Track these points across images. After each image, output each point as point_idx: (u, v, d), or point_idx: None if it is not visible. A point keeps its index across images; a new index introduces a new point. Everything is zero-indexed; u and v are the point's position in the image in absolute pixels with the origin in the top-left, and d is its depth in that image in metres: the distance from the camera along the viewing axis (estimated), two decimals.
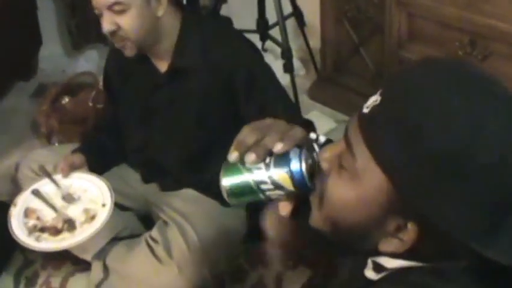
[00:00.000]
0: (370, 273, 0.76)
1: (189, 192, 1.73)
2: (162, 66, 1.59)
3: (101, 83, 2.26)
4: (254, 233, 1.76)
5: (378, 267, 0.74)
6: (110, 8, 1.45)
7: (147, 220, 1.84)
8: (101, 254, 1.73)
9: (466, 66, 0.70)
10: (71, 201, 1.52)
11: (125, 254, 1.68)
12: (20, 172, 1.82)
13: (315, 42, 2.49)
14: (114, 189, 1.72)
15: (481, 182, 0.63)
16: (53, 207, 1.49)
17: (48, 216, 1.48)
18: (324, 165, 0.74)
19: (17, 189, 1.86)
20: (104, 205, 1.48)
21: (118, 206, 1.80)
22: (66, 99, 2.27)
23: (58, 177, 1.54)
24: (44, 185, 1.53)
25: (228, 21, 1.72)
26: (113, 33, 1.48)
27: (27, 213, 1.49)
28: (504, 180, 0.64)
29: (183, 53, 1.55)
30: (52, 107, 2.26)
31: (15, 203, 1.50)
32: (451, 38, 1.97)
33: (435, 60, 0.72)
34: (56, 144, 2.21)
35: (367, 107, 0.69)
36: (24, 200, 1.51)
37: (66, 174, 1.57)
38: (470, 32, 1.92)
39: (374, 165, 0.67)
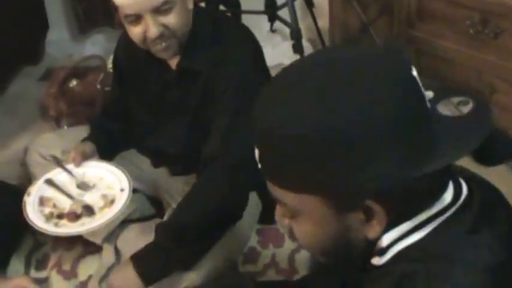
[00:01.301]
0: (375, 260, 0.78)
1: None
2: (173, 62, 1.56)
3: (109, 66, 2.25)
4: (267, 217, 1.78)
5: (379, 252, 0.77)
6: (156, 10, 1.38)
7: (157, 202, 1.84)
8: (112, 238, 1.74)
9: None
10: (87, 189, 1.51)
11: (136, 239, 1.67)
12: (29, 157, 1.83)
13: (324, 23, 2.47)
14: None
15: (357, 136, 0.66)
16: (68, 195, 1.48)
17: (65, 203, 1.47)
18: (281, 223, 0.81)
19: (26, 173, 1.90)
20: (122, 190, 1.47)
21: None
22: (74, 82, 2.27)
23: (71, 166, 1.52)
24: (57, 174, 1.52)
25: (239, 26, 1.66)
26: (161, 35, 1.42)
27: (43, 201, 1.48)
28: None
29: (192, 54, 1.51)
30: (60, 90, 2.26)
31: (28, 193, 1.49)
32: (461, 16, 1.94)
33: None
34: (65, 128, 2.22)
35: (258, 161, 0.75)
36: (38, 189, 1.50)
37: (78, 164, 1.56)
38: (481, 10, 1.89)
39: (296, 196, 0.72)
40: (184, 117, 1.61)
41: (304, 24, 2.46)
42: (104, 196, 1.49)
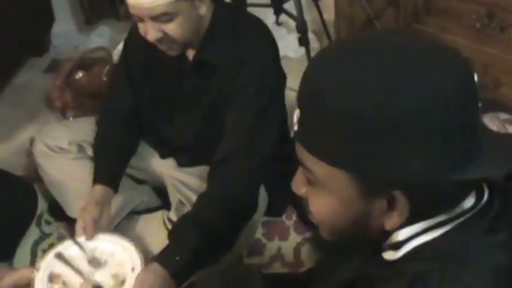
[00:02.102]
0: (388, 255, 0.77)
1: (205, 170, 1.68)
2: (190, 53, 1.55)
3: (114, 58, 2.26)
4: (273, 210, 1.80)
5: (394, 246, 0.76)
6: (155, 18, 1.37)
7: (163, 194, 1.84)
8: (118, 229, 1.73)
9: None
10: (98, 266, 1.43)
11: (142, 231, 1.68)
12: (35, 147, 1.83)
13: (329, 15, 2.47)
14: (131, 163, 1.73)
15: (410, 126, 0.65)
16: (79, 271, 1.41)
17: (75, 281, 1.40)
18: (298, 191, 0.79)
19: (31, 163, 1.90)
20: (133, 269, 1.39)
21: (134, 179, 1.82)
22: (80, 74, 2.27)
23: (82, 239, 1.46)
24: (68, 248, 1.45)
25: (259, 22, 1.62)
26: (160, 39, 1.42)
27: (52, 278, 1.41)
28: (436, 113, 0.65)
29: (210, 47, 1.50)
30: (66, 82, 2.26)
31: (38, 268, 1.41)
32: (468, 10, 1.93)
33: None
34: (71, 119, 2.23)
35: (295, 124, 0.74)
36: (48, 264, 1.42)
37: (90, 236, 1.47)
38: (487, 4, 1.88)
39: (330, 168, 0.70)
40: (197, 110, 1.61)
41: (310, 17, 2.46)
42: (115, 276, 1.41)
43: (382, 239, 0.77)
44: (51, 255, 1.43)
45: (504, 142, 0.73)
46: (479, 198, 0.75)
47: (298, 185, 0.79)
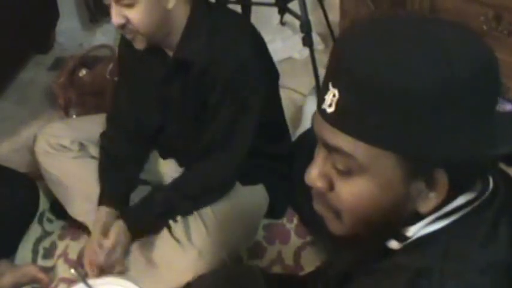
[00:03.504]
0: (392, 244, 0.76)
1: None
2: (171, 54, 1.56)
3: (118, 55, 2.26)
4: (274, 211, 1.81)
5: (400, 238, 0.75)
6: (117, 1, 1.40)
7: None
8: None
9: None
10: None
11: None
12: (37, 145, 1.84)
13: (334, 16, 2.47)
14: None
15: (464, 101, 0.65)
16: None
17: None
18: (317, 184, 0.74)
19: (35, 161, 1.89)
20: None
21: (136, 181, 1.82)
22: (83, 72, 2.27)
23: (93, 281, 1.51)
24: None
25: (239, 18, 1.67)
26: (122, 26, 1.43)
27: None
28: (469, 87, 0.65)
29: (186, 46, 1.50)
30: (69, 79, 2.26)
31: None
32: (475, 13, 1.92)
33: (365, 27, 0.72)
34: (74, 116, 2.24)
35: (330, 105, 0.68)
36: None
37: (97, 275, 1.55)
38: (495, 6, 1.87)
39: (374, 150, 0.67)
40: (186, 110, 1.62)
41: (314, 17, 2.45)
42: None
43: (402, 226, 0.74)
44: None
45: (510, 119, 0.74)
46: (484, 187, 0.74)
47: (316, 177, 0.74)
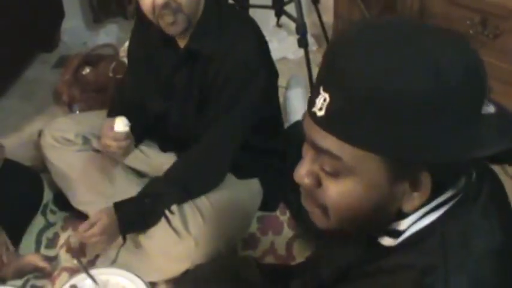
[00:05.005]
0: (386, 241, 0.78)
1: None
2: (182, 44, 1.61)
3: (121, 55, 2.31)
4: (268, 204, 1.84)
5: (392, 233, 0.76)
6: None
7: None
8: None
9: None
10: None
11: None
12: (43, 139, 1.87)
13: (328, 18, 2.50)
14: (132, 155, 1.77)
15: (450, 106, 0.65)
16: None
17: None
18: (305, 181, 0.75)
19: (39, 155, 1.93)
20: None
21: (135, 172, 1.86)
22: (87, 70, 2.30)
23: (95, 271, 1.53)
24: (82, 281, 1.52)
25: (247, 17, 1.71)
26: (166, 5, 1.44)
27: None
28: (452, 90, 0.65)
29: (199, 37, 1.56)
30: (74, 77, 2.29)
31: None
32: (462, 17, 1.96)
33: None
34: (77, 112, 2.25)
35: (320, 109, 0.69)
36: None
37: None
38: (481, 11, 1.91)
39: (361, 153, 0.68)
40: (189, 102, 1.65)
41: (309, 20, 2.48)
42: None
43: (388, 224, 0.76)
44: (66, 286, 1.51)
45: (493, 121, 0.73)
46: (468, 178, 0.76)
47: (304, 175, 0.75)
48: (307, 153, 0.75)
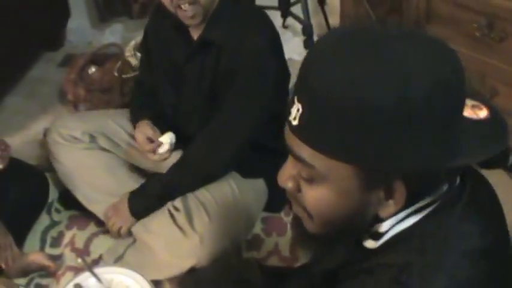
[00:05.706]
0: (369, 243, 0.79)
1: None
2: (196, 35, 1.63)
3: (126, 54, 2.31)
4: (272, 205, 1.84)
5: (374, 235, 0.78)
6: None
7: None
8: None
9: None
10: None
11: (148, 222, 1.71)
12: (49, 137, 1.87)
13: (334, 19, 2.51)
14: (140, 155, 1.78)
15: (419, 116, 0.66)
16: None
17: None
18: (288, 185, 0.78)
19: (44, 153, 1.94)
20: None
21: (139, 170, 1.87)
22: (92, 69, 2.31)
23: (99, 270, 1.52)
24: (86, 279, 1.49)
25: (260, 11, 1.73)
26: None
27: None
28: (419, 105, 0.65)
29: (214, 27, 1.58)
30: (79, 76, 2.30)
31: None
32: (468, 20, 1.95)
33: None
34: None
35: (295, 119, 0.71)
36: None
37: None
38: (487, 14, 1.90)
39: (333, 162, 0.70)
40: (200, 94, 1.66)
41: (315, 21, 2.49)
42: None
43: (368, 228, 0.78)
44: (70, 285, 1.51)
45: (477, 129, 0.74)
46: (451, 182, 0.77)
47: (286, 179, 0.78)
48: (290, 158, 0.77)
